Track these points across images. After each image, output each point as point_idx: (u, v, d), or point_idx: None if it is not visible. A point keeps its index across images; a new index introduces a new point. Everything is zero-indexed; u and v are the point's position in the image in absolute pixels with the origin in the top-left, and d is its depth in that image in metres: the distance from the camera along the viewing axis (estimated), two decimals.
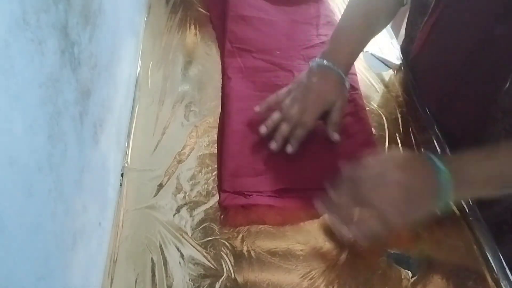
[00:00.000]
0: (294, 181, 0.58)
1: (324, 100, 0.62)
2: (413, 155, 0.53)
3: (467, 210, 0.59)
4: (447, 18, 0.64)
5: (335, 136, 0.62)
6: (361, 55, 0.81)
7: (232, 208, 0.56)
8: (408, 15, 0.79)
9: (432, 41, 0.69)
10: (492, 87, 0.57)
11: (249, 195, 0.56)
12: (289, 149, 0.60)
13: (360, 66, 0.79)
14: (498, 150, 0.49)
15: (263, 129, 0.62)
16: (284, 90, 0.65)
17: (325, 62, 0.64)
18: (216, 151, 0.62)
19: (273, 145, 0.60)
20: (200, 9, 0.88)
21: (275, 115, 0.62)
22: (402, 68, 0.80)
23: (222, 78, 0.73)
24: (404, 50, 0.82)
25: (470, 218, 0.58)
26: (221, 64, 0.76)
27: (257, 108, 0.64)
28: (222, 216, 0.55)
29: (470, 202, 0.59)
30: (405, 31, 0.81)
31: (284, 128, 0.60)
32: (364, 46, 0.70)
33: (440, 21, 0.66)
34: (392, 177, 0.48)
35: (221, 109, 0.68)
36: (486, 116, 0.58)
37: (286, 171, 0.60)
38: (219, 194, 0.57)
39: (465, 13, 0.60)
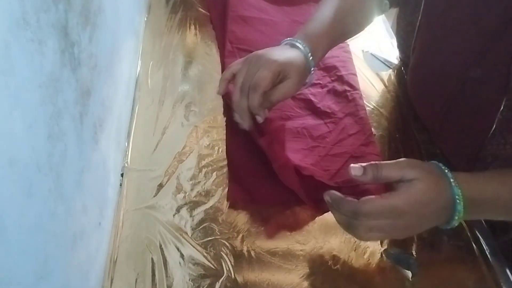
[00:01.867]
0: (295, 182, 0.58)
1: (279, 59, 0.55)
2: (433, 185, 0.46)
3: None
4: (427, 56, 0.63)
5: (258, 118, 0.56)
6: (361, 55, 0.81)
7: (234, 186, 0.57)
8: (397, 38, 0.78)
9: (416, 76, 0.68)
10: (478, 131, 0.55)
11: (256, 191, 0.58)
12: (259, 119, 0.56)
13: (360, 66, 0.79)
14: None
15: (237, 118, 0.57)
16: (240, 60, 0.60)
17: (296, 42, 0.58)
18: (216, 151, 0.62)
19: (242, 126, 0.57)
20: (200, 9, 0.88)
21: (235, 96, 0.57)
22: (402, 68, 0.79)
23: None
24: (405, 65, 0.80)
25: None
26: (221, 64, 0.75)
27: (218, 92, 0.61)
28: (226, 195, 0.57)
29: None
30: (399, 52, 0.81)
31: (243, 103, 0.55)
32: (338, 41, 0.64)
33: (420, 58, 0.65)
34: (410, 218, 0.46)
35: (224, 110, 0.68)
36: (476, 159, 0.56)
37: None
38: (228, 197, 0.57)
39: (443, 54, 0.59)
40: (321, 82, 0.72)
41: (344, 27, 0.63)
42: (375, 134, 0.66)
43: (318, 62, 0.61)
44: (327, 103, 0.69)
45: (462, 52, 0.55)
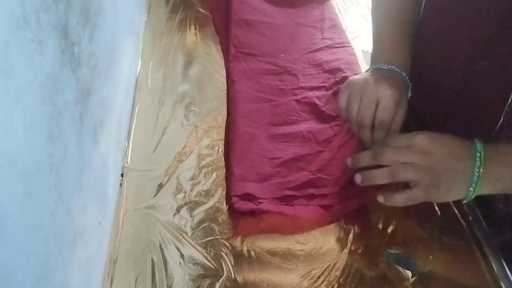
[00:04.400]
0: (299, 188, 0.58)
1: (393, 91, 0.55)
2: (461, 140, 0.50)
3: (467, 210, 0.59)
4: (429, 50, 0.63)
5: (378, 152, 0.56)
6: (361, 55, 0.81)
7: (242, 217, 0.55)
8: None
9: (416, 72, 0.67)
10: (485, 126, 0.54)
11: (260, 202, 0.55)
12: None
13: (361, 66, 0.78)
14: None
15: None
16: (343, 98, 0.58)
17: (385, 65, 0.58)
18: (216, 151, 0.62)
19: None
20: (200, 9, 0.88)
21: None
22: None
23: (227, 83, 0.73)
24: None
25: (470, 218, 0.58)
26: (226, 69, 0.75)
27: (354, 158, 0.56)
28: (232, 226, 0.54)
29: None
30: None
31: (365, 136, 0.57)
32: (411, 45, 0.63)
33: (422, 52, 0.65)
34: (432, 150, 0.49)
35: (227, 114, 0.67)
36: None
37: (290, 176, 0.59)
38: (229, 198, 0.56)
39: (446, 47, 0.59)
40: (325, 84, 0.71)
41: (408, 25, 0.63)
42: None
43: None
44: (332, 106, 0.68)
45: (466, 46, 0.55)
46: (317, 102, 0.69)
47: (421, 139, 0.49)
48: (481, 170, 0.47)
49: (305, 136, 0.64)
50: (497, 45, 0.51)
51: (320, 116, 0.67)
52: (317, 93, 0.70)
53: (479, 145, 0.48)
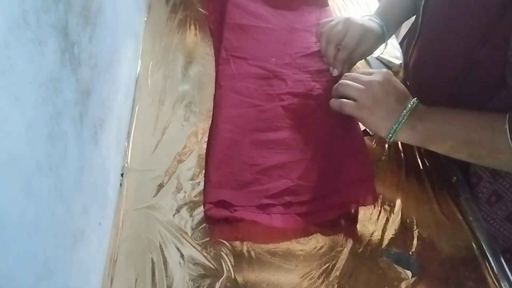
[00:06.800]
0: (277, 196, 0.56)
1: (364, 24, 0.70)
2: (407, 91, 0.60)
3: (467, 210, 0.59)
4: (430, 42, 0.64)
5: (334, 72, 0.72)
6: None
7: (218, 223, 0.54)
8: (406, 32, 0.80)
9: (418, 66, 0.69)
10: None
11: (235, 210, 0.54)
12: (335, 72, 0.71)
13: (360, 66, 0.79)
14: (467, 117, 0.55)
15: (334, 72, 0.72)
16: (330, 24, 0.74)
17: (373, 18, 0.73)
18: None
19: (334, 72, 0.72)
20: (200, 9, 0.88)
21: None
22: (402, 68, 0.79)
23: (215, 87, 0.71)
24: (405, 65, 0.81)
25: (470, 218, 0.58)
26: (215, 73, 0.74)
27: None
28: (208, 230, 0.53)
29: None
30: (401, 49, 0.82)
31: (330, 51, 0.72)
32: (410, 15, 0.76)
33: (423, 45, 0.66)
34: (383, 84, 0.59)
35: (212, 118, 0.66)
36: None
37: (270, 184, 0.57)
38: (204, 205, 0.55)
39: (447, 38, 0.60)
40: (313, 93, 0.70)
41: (408, 4, 0.76)
42: (373, 134, 0.66)
43: (390, 36, 0.76)
44: (318, 114, 0.67)
45: (465, 36, 0.56)
46: (304, 109, 0.67)
47: (382, 72, 0.60)
48: (407, 115, 0.56)
49: (289, 144, 0.62)
50: (496, 32, 0.51)
51: (305, 123, 0.66)
52: (304, 100, 0.69)
53: (415, 99, 0.57)
